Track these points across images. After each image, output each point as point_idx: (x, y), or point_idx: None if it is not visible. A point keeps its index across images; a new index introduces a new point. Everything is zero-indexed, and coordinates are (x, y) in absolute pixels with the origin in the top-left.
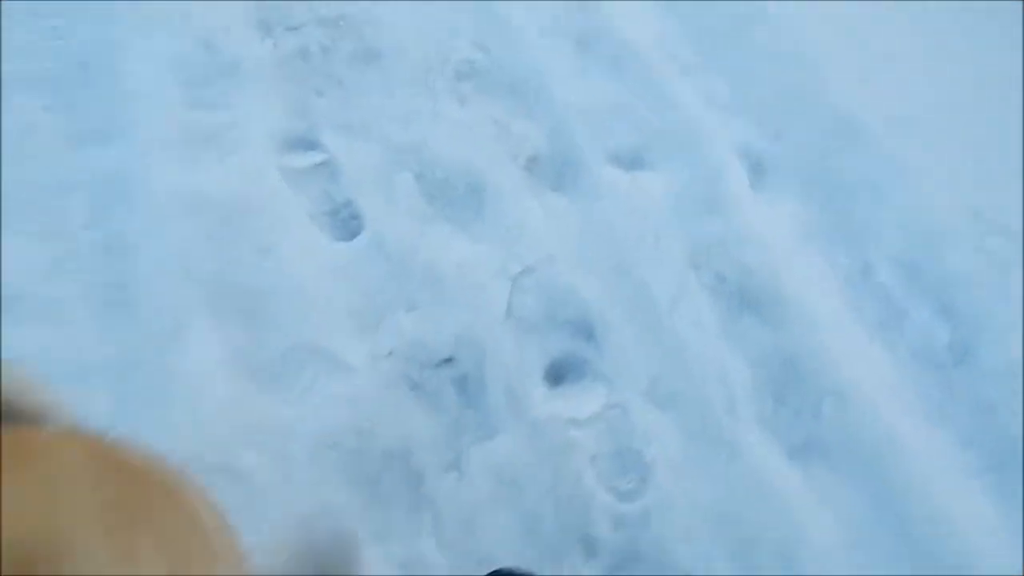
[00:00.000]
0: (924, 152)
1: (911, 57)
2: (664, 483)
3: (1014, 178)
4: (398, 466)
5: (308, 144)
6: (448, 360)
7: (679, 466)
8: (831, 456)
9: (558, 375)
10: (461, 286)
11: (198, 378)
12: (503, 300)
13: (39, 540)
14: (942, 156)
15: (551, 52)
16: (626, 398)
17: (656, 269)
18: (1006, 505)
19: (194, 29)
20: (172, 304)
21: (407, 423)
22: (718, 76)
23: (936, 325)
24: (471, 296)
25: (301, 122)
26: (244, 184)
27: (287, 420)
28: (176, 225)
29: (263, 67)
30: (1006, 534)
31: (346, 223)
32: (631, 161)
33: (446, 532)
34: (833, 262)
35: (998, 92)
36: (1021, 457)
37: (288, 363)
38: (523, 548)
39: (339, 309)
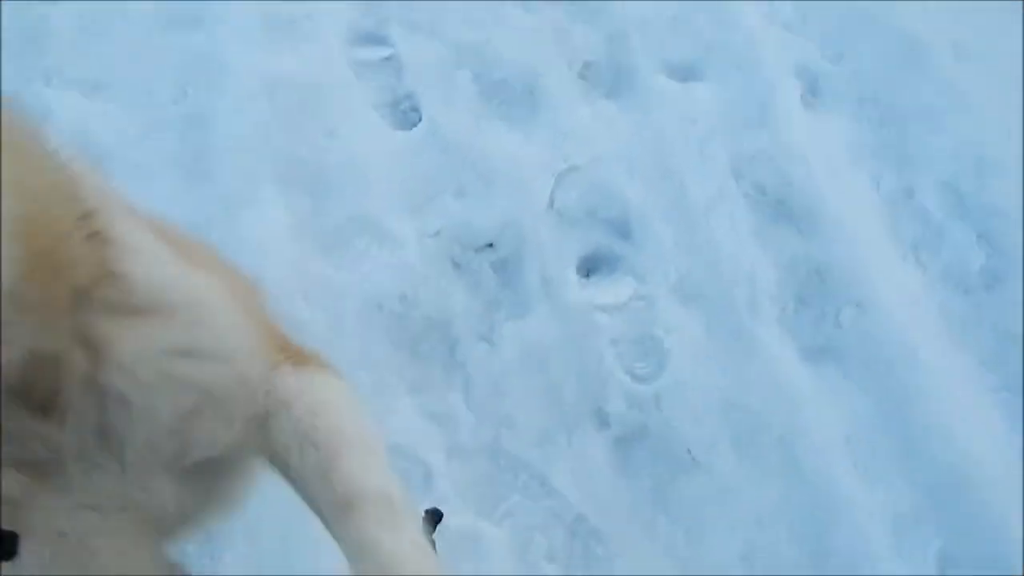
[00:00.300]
0: (984, 83)
1: None
2: (679, 370)
3: None
4: (436, 332)
5: (377, 39)
6: (490, 245)
7: (696, 356)
8: (845, 361)
9: (592, 267)
10: (509, 178)
11: (265, 240)
12: (547, 194)
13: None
14: (1002, 88)
15: None
16: (654, 291)
17: (697, 175)
18: (1016, 424)
19: None
20: (245, 174)
21: (447, 296)
22: None
23: (971, 251)
24: (517, 188)
25: (372, 19)
26: (316, 72)
27: (340, 282)
28: (253, 104)
29: None
30: (1011, 451)
31: (406, 114)
32: (685, 73)
33: (474, 392)
34: (877, 182)
35: None
36: None
37: (344, 232)
38: (541, 413)
39: (394, 189)
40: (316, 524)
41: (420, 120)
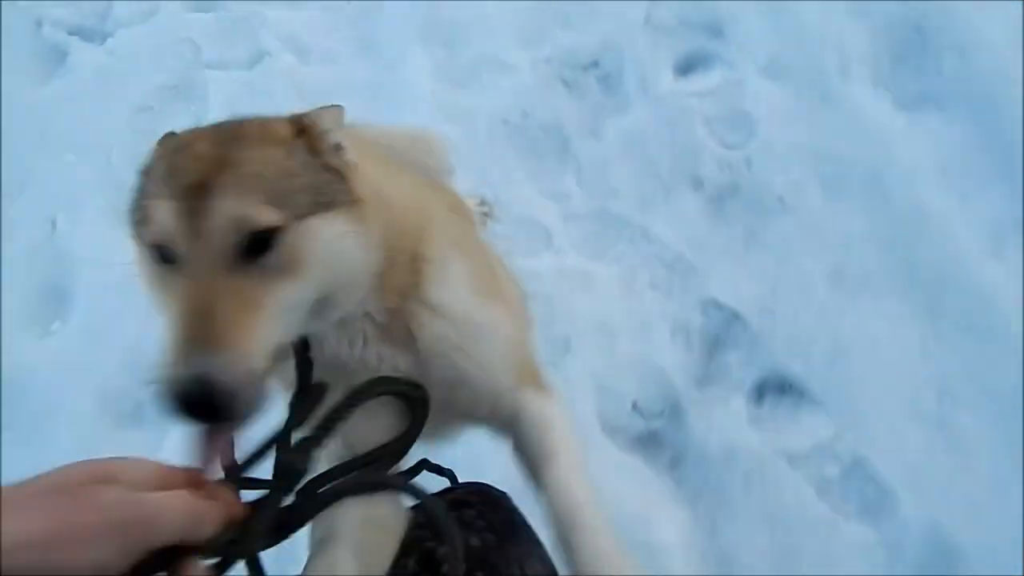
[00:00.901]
0: None
1: None
2: (768, 135)
3: None
4: (551, 135)
5: None
6: (594, 63)
7: (784, 120)
8: (945, 106)
9: (687, 67)
10: (608, 6)
11: (416, 83)
12: (643, 12)
13: None
14: None
15: None
16: (743, 75)
17: None
18: None
19: None
20: (400, 44)
21: (559, 108)
22: None
23: None
24: (616, 13)
25: None
26: None
27: (472, 106)
28: None
29: None
30: None
31: None
32: None
33: (584, 174)
34: None
35: None
36: None
37: (473, 69)
38: (641, 183)
39: (510, 30)
40: None
41: None
